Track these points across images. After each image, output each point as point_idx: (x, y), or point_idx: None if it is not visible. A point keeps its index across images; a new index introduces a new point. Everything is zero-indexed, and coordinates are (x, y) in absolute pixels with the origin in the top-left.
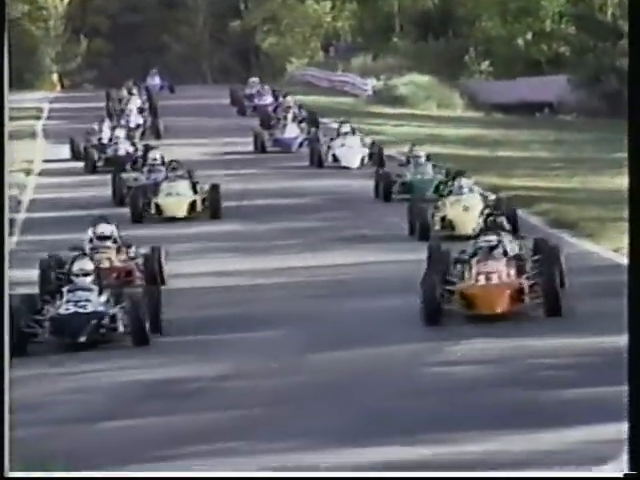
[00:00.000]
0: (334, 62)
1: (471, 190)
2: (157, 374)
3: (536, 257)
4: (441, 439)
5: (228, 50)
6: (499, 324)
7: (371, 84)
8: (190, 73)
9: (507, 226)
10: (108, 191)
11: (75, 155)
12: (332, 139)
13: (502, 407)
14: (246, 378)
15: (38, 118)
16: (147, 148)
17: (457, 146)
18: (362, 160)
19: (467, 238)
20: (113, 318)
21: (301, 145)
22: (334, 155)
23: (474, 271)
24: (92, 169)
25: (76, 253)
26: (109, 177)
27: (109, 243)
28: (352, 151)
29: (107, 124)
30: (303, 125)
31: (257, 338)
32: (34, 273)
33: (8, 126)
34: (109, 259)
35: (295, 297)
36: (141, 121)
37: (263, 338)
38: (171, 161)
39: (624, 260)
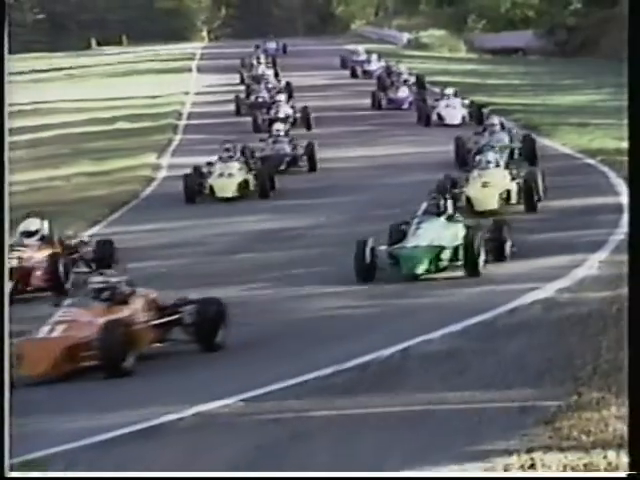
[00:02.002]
0: (382, 22)
1: (497, 165)
2: (267, 225)
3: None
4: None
5: (312, 14)
6: None
7: (406, 36)
8: (289, 28)
9: (450, 211)
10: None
11: (238, 111)
12: (437, 100)
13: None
14: (329, 227)
15: (192, 59)
16: (305, 110)
17: (460, 76)
18: (463, 118)
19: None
20: None
21: (410, 104)
22: (439, 114)
23: (53, 319)
24: (257, 128)
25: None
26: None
27: (33, 240)
28: (454, 111)
29: (263, 85)
30: (412, 88)
31: (338, 201)
32: (191, 160)
33: (8, 123)
34: (19, 258)
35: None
36: (276, 84)
37: (342, 201)
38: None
39: (569, 150)
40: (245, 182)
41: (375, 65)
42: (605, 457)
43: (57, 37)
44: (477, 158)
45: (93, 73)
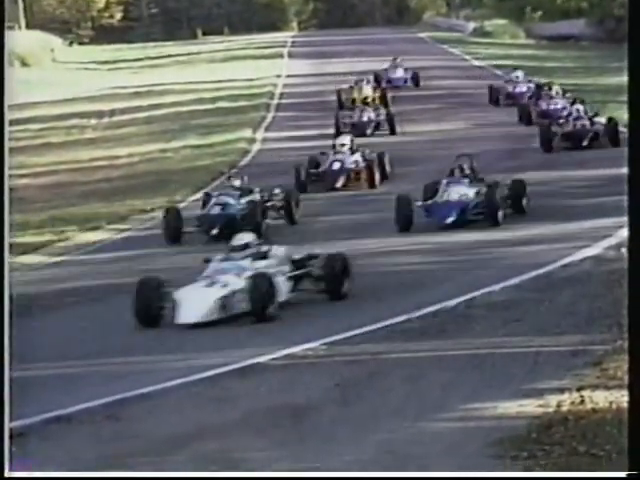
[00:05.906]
0: (450, 13)
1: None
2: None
3: None
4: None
5: (390, 7)
6: None
7: (471, 25)
8: (369, 19)
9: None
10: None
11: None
12: None
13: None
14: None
15: (284, 47)
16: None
17: (520, 60)
18: None
19: None
20: None
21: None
22: None
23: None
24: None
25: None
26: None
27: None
28: None
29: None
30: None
31: (410, 171)
32: (282, 134)
33: (7, 117)
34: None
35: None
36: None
37: (415, 170)
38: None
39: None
40: None
41: (524, 87)
42: None
43: (169, 28)
44: None
45: (198, 59)
